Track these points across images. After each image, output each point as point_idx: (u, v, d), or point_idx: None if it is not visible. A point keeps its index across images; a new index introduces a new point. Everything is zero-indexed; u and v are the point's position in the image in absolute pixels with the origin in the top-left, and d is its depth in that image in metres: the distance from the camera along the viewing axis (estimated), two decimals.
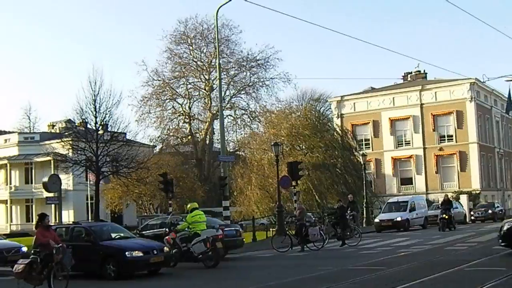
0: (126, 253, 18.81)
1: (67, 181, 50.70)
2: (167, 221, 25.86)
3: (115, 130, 38.86)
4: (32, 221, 59.68)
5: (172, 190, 36.79)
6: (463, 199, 51.07)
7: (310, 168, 51.73)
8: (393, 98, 70.10)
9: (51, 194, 31.46)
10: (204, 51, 76.78)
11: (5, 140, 73.25)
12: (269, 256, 25.37)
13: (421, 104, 68.16)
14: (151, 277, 19.42)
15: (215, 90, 72.50)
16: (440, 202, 40.82)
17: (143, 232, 28.04)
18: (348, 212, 31.96)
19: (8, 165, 69.75)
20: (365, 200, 47.20)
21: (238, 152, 70.87)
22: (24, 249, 24.19)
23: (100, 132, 37.64)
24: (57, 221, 36.83)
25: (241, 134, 76.94)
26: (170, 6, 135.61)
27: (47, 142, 64.76)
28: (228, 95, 75.49)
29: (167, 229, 23.27)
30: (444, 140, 67.56)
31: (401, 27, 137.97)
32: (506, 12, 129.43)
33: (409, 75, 77.89)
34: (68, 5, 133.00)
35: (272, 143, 42.32)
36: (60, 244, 15.88)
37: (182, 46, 77.21)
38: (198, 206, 23.40)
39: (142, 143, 65.33)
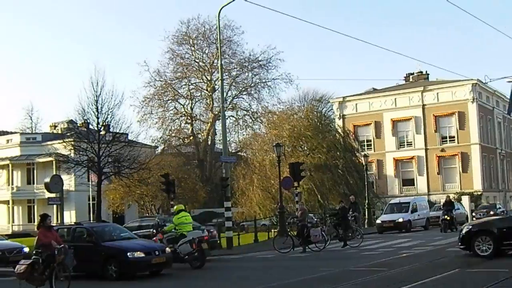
0: (128, 254, 18.84)
1: (69, 181, 50.75)
2: (154, 222, 26.12)
3: (117, 131, 38.86)
4: (34, 222, 59.75)
5: (174, 191, 36.78)
6: (465, 200, 51.00)
7: (312, 169, 51.70)
8: (395, 99, 70.09)
9: (53, 195, 31.50)
10: (206, 51, 76.91)
11: (7, 141, 73.30)
12: (270, 257, 25.37)
13: (423, 105, 68.15)
14: (152, 278, 19.44)
15: (217, 91, 72.49)
16: (442, 203, 40.76)
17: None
18: (350, 213, 31.89)
19: (10, 165, 69.78)
20: (367, 201, 47.17)
21: (240, 153, 70.83)
22: (26, 249, 24.26)
23: (102, 132, 37.62)
24: (59, 221, 36.75)
25: (243, 135, 76.99)
26: (172, 7, 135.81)
27: (49, 142, 64.82)
28: (230, 96, 75.60)
29: (154, 230, 23.47)
30: (446, 141, 67.52)
31: (403, 28, 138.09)
32: (508, 13, 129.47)
33: (411, 76, 77.89)
34: (69, 5, 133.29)
35: (274, 144, 42.27)
36: (62, 245, 15.90)
37: (184, 47, 77.31)
38: (185, 208, 23.80)
39: (144, 143, 65.35)
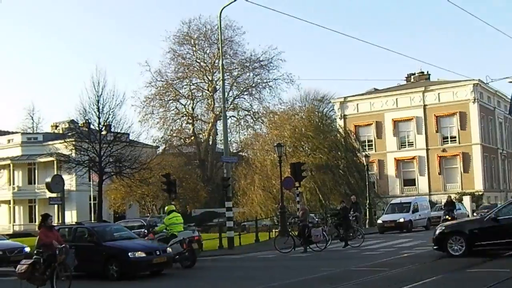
0: (129, 253, 18.84)
1: (70, 181, 50.81)
2: (146, 223, 26.41)
3: (118, 131, 38.93)
4: (35, 222, 59.81)
5: (175, 191, 36.78)
6: (466, 200, 51.05)
7: (313, 169, 51.71)
8: (396, 99, 70.05)
9: (54, 195, 31.51)
10: (208, 52, 76.95)
11: (8, 141, 73.35)
12: (272, 257, 25.37)
13: (424, 105, 68.11)
14: (153, 277, 19.44)
15: (218, 91, 72.58)
16: (443, 203, 40.76)
17: None
18: (351, 213, 31.89)
19: (11, 165, 69.82)
20: (368, 201, 47.12)
21: (241, 153, 70.85)
22: (27, 249, 24.24)
23: (103, 132, 37.69)
24: (60, 221, 36.78)
25: (244, 135, 77.00)
26: (174, 7, 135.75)
27: (50, 142, 64.88)
28: (231, 96, 75.57)
29: (145, 231, 23.63)
30: (447, 141, 67.47)
31: (404, 29, 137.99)
32: (510, 13, 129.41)
33: (412, 76, 77.85)
34: (71, 6, 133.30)
35: (275, 144, 42.28)
36: (63, 245, 15.92)
37: (185, 47, 77.36)
38: (175, 209, 24.21)
39: (145, 143, 65.38)
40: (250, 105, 77.65)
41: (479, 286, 12.93)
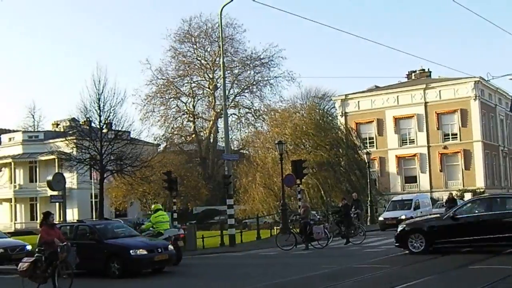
0: (131, 251, 18.81)
1: (71, 179, 50.82)
2: (132, 221, 26.87)
3: (119, 129, 38.97)
4: (37, 220, 59.82)
5: (176, 189, 36.82)
6: (468, 197, 50.93)
7: (315, 166, 51.69)
8: (397, 96, 69.97)
9: (55, 193, 31.55)
10: (208, 49, 76.96)
11: (10, 139, 73.44)
12: (273, 254, 25.39)
13: (425, 103, 68.02)
14: (155, 275, 19.44)
15: (219, 89, 72.63)
16: (444, 201, 40.73)
17: None
18: (353, 210, 31.92)
19: (12, 163, 69.89)
20: (369, 199, 47.14)
21: (242, 151, 70.87)
22: (29, 247, 24.26)
23: (104, 130, 37.71)
24: (61, 219, 36.89)
25: (245, 132, 77.09)
26: (174, 5, 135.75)
27: (51, 140, 64.90)
28: (232, 94, 75.58)
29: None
30: (449, 138, 67.40)
31: (405, 26, 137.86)
32: (511, 10, 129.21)
33: (413, 74, 77.78)
34: (72, 3, 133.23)
35: (276, 142, 42.31)
36: (65, 243, 15.91)
37: (186, 45, 77.40)
38: (162, 208, 24.97)
39: (146, 141, 65.39)
40: (251, 102, 77.81)
41: (482, 283, 12.91)
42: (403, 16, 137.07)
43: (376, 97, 71.51)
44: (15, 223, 68.77)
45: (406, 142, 69.37)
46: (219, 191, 60.06)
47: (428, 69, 75.92)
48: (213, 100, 75.47)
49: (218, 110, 71.90)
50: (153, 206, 25.11)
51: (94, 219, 47.74)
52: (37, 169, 69.59)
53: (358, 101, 72.25)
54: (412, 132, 69.06)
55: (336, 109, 73.46)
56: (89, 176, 54.12)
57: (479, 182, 65.18)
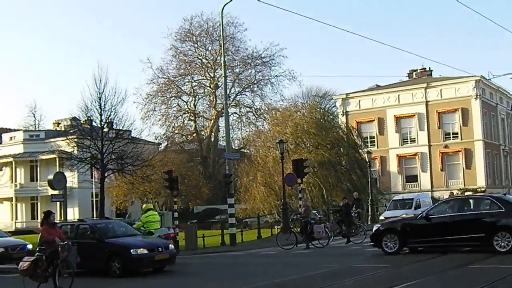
0: (131, 250, 18.83)
1: (72, 178, 50.86)
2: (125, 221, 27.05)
3: (120, 128, 38.94)
4: (37, 219, 59.75)
5: (177, 188, 36.80)
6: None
7: (315, 165, 51.67)
8: (398, 95, 69.93)
9: (56, 192, 31.58)
10: (209, 48, 77.01)
11: (10, 138, 73.46)
12: (274, 253, 25.39)
13: (426, 102, 67.98)
14: (156, 274, 19.45)
15: (220, 88, 72.68)
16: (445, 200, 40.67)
17: None
18: (353, 209, 31.90)
19: (13, 162, 69.93)
20: (370, 198, 47.12)
21: (243, 150, 70.87)
22: (29, 246, 24.28)
23: (105, 129, 37.69)
24: (62, 218, 36.84)
25: (246, 131, 77.12)
26: (175, 4, 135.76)
27: (52, 139, 64.92)
28: (233, 93, 75.60)
29: None
30: (449, 137, 67.35)
31: (406, 25, 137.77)
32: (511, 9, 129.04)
33: (414, 73, 77.67)
34: (73, 3, 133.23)
35: (277, 141, 42.30)
36: (66, 242, 15.90)
37: (187, 44, 77.44)
38: (153, 207, 25.59)
39: (147, 140, 65.42)
40: (252, 101, 77.86)
41: (482, 283, 12.90)
42: (404, 15, 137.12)
43: (377, 96, 71.46)
44: (16, 222, 68.79)
45: (407, 141, 69.32)
46: (220, 190, 60.10)
47: (429, 68, 75.85)
48: (214, 99, 75.49)
49: (219, 109, 71.95)
50: (144, 206, 25.54)
51: (95, 218, 47.70)
52: (38, 168, 69.59)
53: (359, 100, 72.22)
54: (413, 131, 69.02)
55: (337, 108, 73.44)
56: (90, 175, 54.15)
57: (480, 181, 65.14)
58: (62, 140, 49.60)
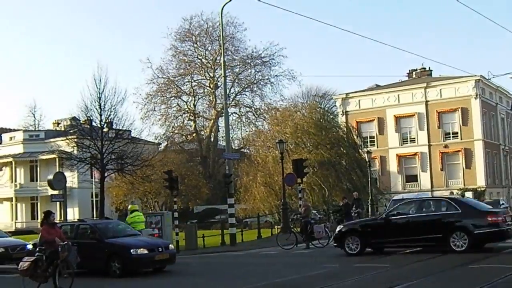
0: (131, 250, 18.84)
1: (72, 178, 50.85)
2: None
3: (120, 128, 38.92)
4: (37, 219, 59.77)
5: (177, 188, 36.74)
6: (468, 196, 50.89)
7: (315, 165, 51.66)
8: (398, 95, 69.95)
9: (56, 192, 31.56)
10: (209, 48, 76.92)
11: (10, 138, 73.46)
12: (274, 253, 25.39)
13: (426, 101, 68.00)
14: (156, 274, 19.45)
15: (220, 88, 72.63)
16: None
17: None
18: (353, 209, 31.93)
19: (13, 162, 69.93)
20: (370, 197, 47.10)
21: (243, 150, 70.84)
22: (29, 246, 24.25)
23: (105, 129, 37.66)
24: (62, 218, 36.82)
25: (246, 131, 77.04)
26: (175, 4, 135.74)
27: (52, 139, 64.92)
28: (233, 93, 75.53)
29: None
30: (449, 137, 67.37)
31: (406, 24, 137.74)
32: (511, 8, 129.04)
33: (414, 72, 77.67)
34: (72, 2, 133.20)
35: (277, 141, 42.30)
36: (66, 242, 15.90)
37: (187, 44, 77.36)
38: (138, 208, 25.79)
39: (147, 140, 65.40)
40: (252, 101, 77.79)
41: (482, 282, 12.90)
42: (404, 15, 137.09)
43: (377, 96, 71.49)
44: (15, 222, 68.81)
45: (407, 141, 69.35)
46: (220, 190, 60.06)
47: (429, 68, 75.87)
48: (214, 99, 75.45)
49: (219, 109, 71.91)
50: (129, 207, 25.86)
51: (95, 218, 47.70)
52: (38, 168, 69.60)
53: (359, 100, 72.24)
54: (413, 130, 69.05)
55: (336, 108, 73.47)
56: (90, 175, 54.11)
57: (480, 181, 65.19)
58: (62, 140, 49.59)
